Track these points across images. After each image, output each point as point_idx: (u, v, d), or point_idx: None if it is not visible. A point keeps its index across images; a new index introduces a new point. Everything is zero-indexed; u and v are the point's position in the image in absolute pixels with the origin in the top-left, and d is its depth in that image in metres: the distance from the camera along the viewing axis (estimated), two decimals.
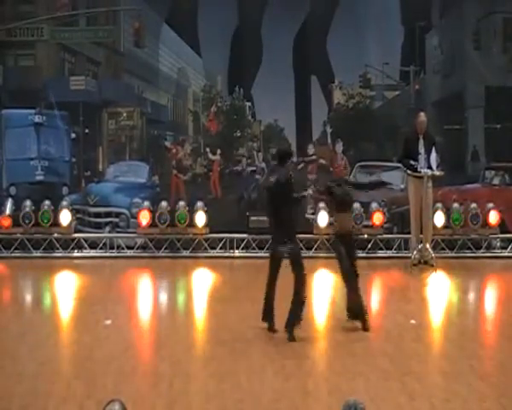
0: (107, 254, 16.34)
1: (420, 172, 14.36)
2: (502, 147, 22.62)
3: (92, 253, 16.40)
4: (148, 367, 8.61)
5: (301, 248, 16.06)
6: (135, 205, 17.27)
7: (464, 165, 26.46)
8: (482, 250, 16.29)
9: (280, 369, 8.38)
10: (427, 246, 14.72)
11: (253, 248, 16.11)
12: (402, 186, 17.58)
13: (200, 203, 16.61)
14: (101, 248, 16.49)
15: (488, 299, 13.60)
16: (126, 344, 9.46)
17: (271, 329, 9.78)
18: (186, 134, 31.18)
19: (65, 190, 21.39)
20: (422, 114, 15.29)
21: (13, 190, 20.82)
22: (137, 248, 16.56)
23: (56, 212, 16.36)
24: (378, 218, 16.24)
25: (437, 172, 14.51)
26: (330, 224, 16.13)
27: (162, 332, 10.33)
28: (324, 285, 13.77)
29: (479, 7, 26.98)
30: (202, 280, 14.96)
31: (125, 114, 29.70)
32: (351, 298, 10.06)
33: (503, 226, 16.37)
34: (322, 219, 16.06)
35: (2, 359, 8.78)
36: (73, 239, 16.45)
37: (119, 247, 16.56)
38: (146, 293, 13.89)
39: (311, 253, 15.98)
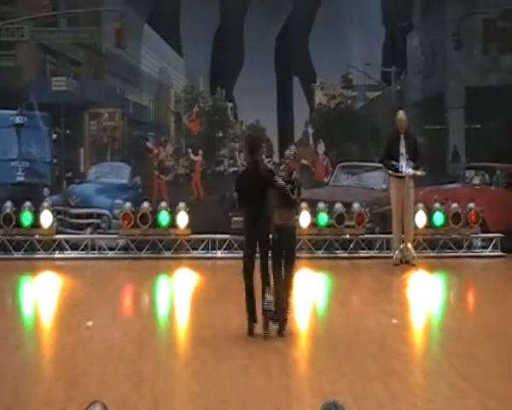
0: (89, 256, 16.28)
1: (401, 172, 14.42)
2: (482, 147, 22.76)
3: (74, 254, 16.33)
4: (130, 368, 8.58)
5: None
6: (116, 206, 17.24)
7: (445, 165, 26.57)
8: (463, 250, 16.37)
9: (263, 369, 8.39)
10: (409, 246, 14.80)
11: (236, 249, 16.05)
12: (384, 186, 17.64)
13: (182, 204, 16.58)
14: (82, 250, 16.42)
15: (469, 298, 13.67)
16: (109, 345, 9.43)
17: None
18: (168, 135, 31.08)
19: (46, 191, 21.26)
20: (401, 111, 15.35)
21: None
22: (119, 250, 16.52)
23: (37, 213, 16.29)
24: (360, 218, 16.30)
25: (418, 173, 14.59)
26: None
27: (145, 333, 10.31)
28: (306, 285, 13.78)
29: (459, 8, 27.10)
30: (184, 281, 14.94)
31: (106, 115, 29.57)
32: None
33: (483, 226, 16.48)
34: (304, 219, 16.06)
35: None
36: (55, 240, 16.37)
37: (100, 248, 16.50)
38: (128, 294, 13.86)
39: None
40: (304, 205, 16.08)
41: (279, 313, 9.69)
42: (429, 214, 16.14)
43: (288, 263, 9.83)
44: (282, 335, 9.65)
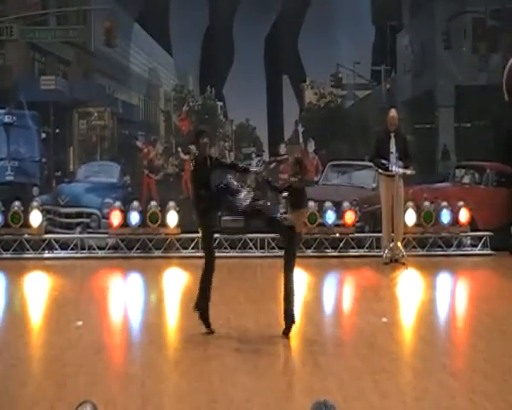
0: (79, 255, 16.25)
1: (391, 171, 14.43)
2: (472, 146, 22.81)
3: (63, 253, 16.30)
4: (119, 368, 8.57)
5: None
6: (106, 205, 17.20)
7: (435, 164, 26.62)
8: (453, 248, 16.41)
9: (252, 368, 8.38)
10: (399, 244, 14.82)
11: (225, 248, 16.08)
12: (374, 185, 17.66)
13: (171, 203, 16.57)
14: (72, 249, 16.38)
15: (459, 297, 13.70)
16: (98, 345, 9.40)
17: None
18: (158, 134, 31.05)
19: (35, 190, 21.19)
20: (393, 110, 15.40)
21: None
22: (109, 249, 16.48)
23: (27, 212, 16.24)
24: (350, 217, 16.31)
25: (408, 171, 14.61)
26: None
27: (134, 333, 10.30)
28: (295, 284, 13.76)
29: (448, 7, 27.19)
30: (174, 280, 14.92)
31: (95, 114, 29.53)
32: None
33: (473, 224, 16.53)
34: None
35: None
36: (44, 240, 16.33)
37: (90, 247, 16.46)
38: (117, 294, 13.83)
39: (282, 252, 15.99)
40: None
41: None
42: (419, 213, 16.17)
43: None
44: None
